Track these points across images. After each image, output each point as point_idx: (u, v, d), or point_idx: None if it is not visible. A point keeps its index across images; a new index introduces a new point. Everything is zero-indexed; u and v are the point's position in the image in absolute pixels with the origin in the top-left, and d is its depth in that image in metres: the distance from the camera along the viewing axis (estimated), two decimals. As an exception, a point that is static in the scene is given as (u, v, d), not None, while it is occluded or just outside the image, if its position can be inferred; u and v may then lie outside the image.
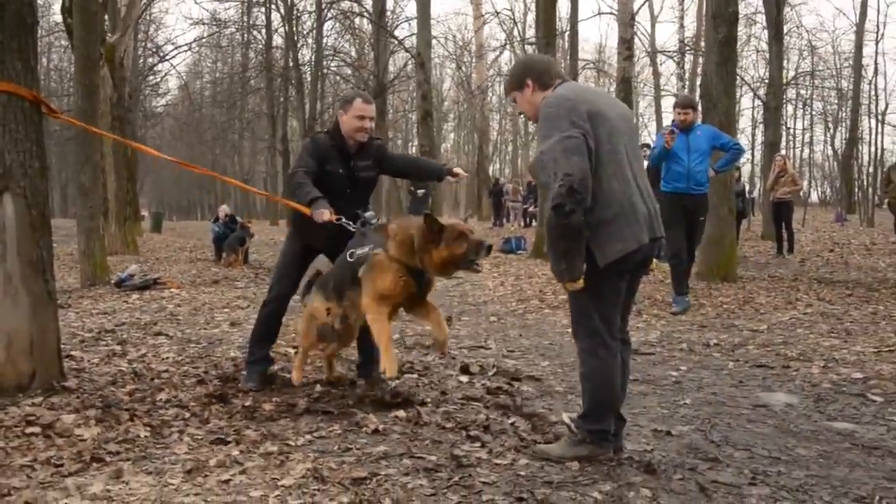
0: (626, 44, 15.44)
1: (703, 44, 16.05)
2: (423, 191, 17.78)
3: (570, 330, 6.80)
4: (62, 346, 4.74)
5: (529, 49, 28.61)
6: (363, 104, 4.49)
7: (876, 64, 31.62)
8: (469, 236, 3.80)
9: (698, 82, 18.91)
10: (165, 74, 35.65)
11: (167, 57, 32.44)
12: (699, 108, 8.66)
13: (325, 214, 4.16)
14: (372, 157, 4.64)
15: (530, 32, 31.56)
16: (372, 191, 4.91)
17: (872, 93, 35.38)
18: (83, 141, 10.56)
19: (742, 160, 8.60)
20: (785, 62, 26.94)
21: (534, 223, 19.96)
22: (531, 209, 22.03)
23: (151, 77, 33.63)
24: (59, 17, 24.85)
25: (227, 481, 3.00)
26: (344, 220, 4.23)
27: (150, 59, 32.87)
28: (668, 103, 37.57)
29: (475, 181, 36.50)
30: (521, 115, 3.63)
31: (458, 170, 4.80)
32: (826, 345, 5.96)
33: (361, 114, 4.46)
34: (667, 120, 33.92)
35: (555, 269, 3.14)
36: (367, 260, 4.01)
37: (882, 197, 16.03)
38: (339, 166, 4.51)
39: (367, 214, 4.44)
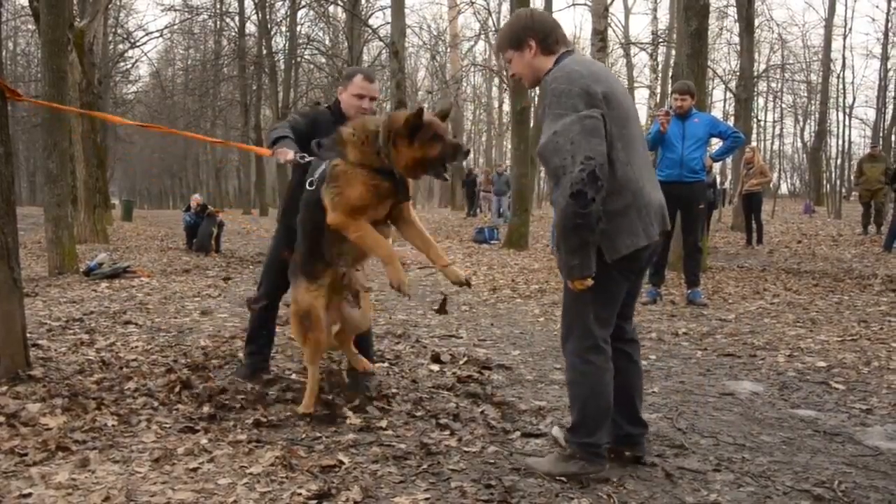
0: (600, 35, 15.51)
1: (675, 36, 16.15)
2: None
3: (541, 319, 6.89)
4: (28, 334, 4.68)
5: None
6: (363, 81, 4.14)
7: (844, 58, 32.09)
8: (445, 137, 3.41)
9: (671, 74, 19.02)
10: (136, 61, 35.41)
11: (138, 43, 32.03)
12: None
13: (288, 154, 3.84)
14: None
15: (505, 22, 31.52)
16: None
17: (840, 87, 35.88)
18: (51, 127, 10.39)
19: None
20: (756, 55, 27.23)
21: (506, 215, 19.99)
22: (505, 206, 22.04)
23: (122, 63, 33.19)
24: (25, 1, 24.44)
25: (194, 469, 2.98)
26: (307, 156, 3.82)
27: (120, 46, 32.40)
28: (640, 95, 37.85)
29: (449, 171, 36.40)
30: (512, 77, 3.22)
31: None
32: (792, 334, 6.06)
33: (361, 92, 4.13)
34: (640, 111, 34.13)
35: (565, 265, 2.83)
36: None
37: (854, 188, 16.34)
38: None
39: None
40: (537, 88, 3.42)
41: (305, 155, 3.80)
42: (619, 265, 2.91)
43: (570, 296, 2.98)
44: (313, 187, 3.60)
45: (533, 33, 3.02)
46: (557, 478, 2.99)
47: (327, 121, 4.14)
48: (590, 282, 2.84)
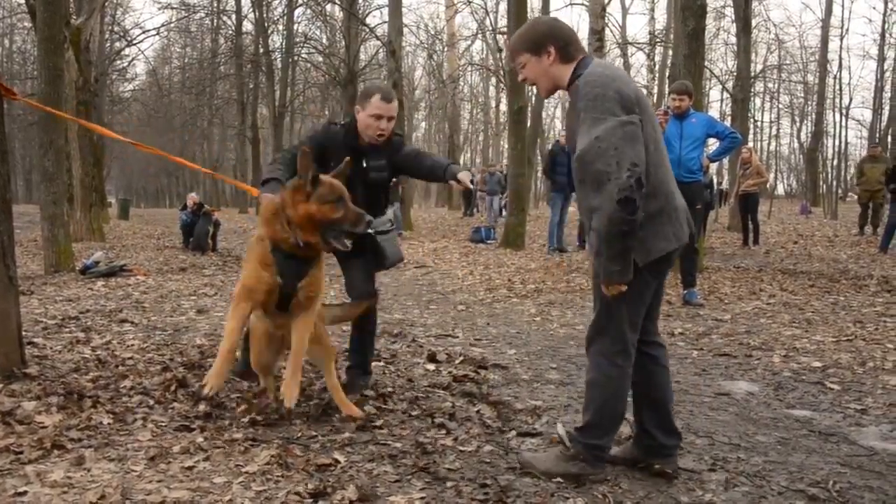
0: (597, 35, 15.48)
1: (672, 36, 16.15)
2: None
3: (537, 319, 6.90)
4: (24, 333, 4.68)
5: (501, 39, 28.63)
6: (381, 102, 3.95)
7: (840, 59, 32.04)
8: (348, 203, 3.32)
9: (667, 74, 19.04)
10: (133, 59, 35.37)
11: (135, 41, 32.00)
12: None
13: (269, 199, 3.71)
14: (387, 157, 4.15)
15: (503, 22, 31.55)
16: (386, 192, 4.35)
17: (837, 87, 35.92)
18: (47, 125, 10.36)
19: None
20: (753, 56, 27.23)
21: (503, 213, 19.99)
22: (502, 202, 22.00)
23: (118, 61, 33.08)
24: (22, -1, 24.39)
25: (190, 468, 2.98)
26: None
27: (117, 43, 32.29)
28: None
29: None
30: (522, 81, 3.14)
31: (463, 175, 4.07)
32: (787, 334, 6.07)
33: (378, 112, 3.95)
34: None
35: (606, 271, 2.78)
36: None
37: (853, 189, 16.39)
38: None
39: (377, 222, 3.98)
40: (534, 88, 3.36)
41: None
42: (650, 267, 2.88)
43: (604, 301, 2.91)
44: None
45: (554, 40, 2.96)
46: (555, 477, 2.97)
47: (338, 140, 4.05)
48: (624, 287, 2.82)
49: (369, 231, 3.87)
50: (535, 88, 3.24)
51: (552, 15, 21.97)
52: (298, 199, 3.29)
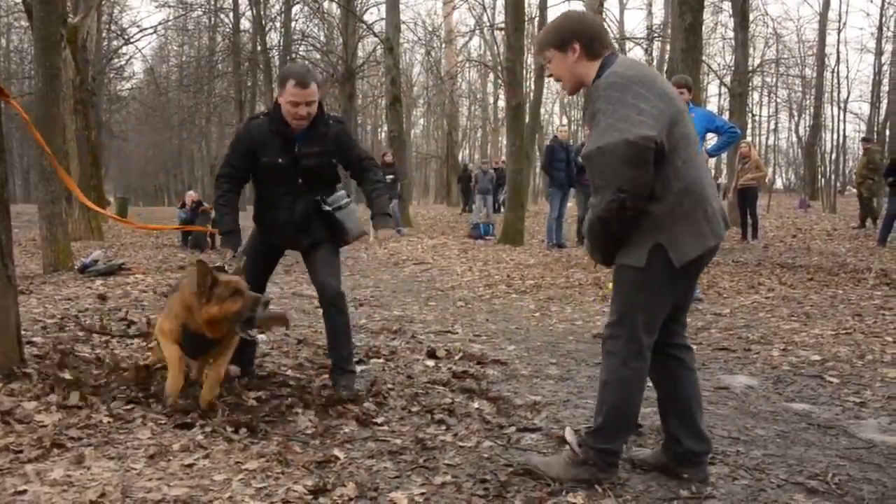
0: (595, 30, 15.47)
1: (670, 31, 16.14)
2: (391, 176, 17.67)
3: (536, 314, 6.90)
4: (23, 332, 4.67)
5: (499, 35, 28.60)
6: (295, 88, 3.84)
7: (838, 53, 32.24)
8: (245, 292, 3.46)
9: (665, 69, 19.03)
10: (130, 57, 35.33)
11: (132, 39, 31.98)
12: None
13: (227, 254, 4.00)
14: (323, 143, 4.05)
15: (500, 18, 31.51)
16: (333, 176, 4.24)
17: (835, 81, 35.91)
18: (45, 124, 10.33)
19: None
20: (750, 50, 27.25)
21: (502, 210, 19.97)
22: (501, 198, 21.94)
23: (116, 60, 33.05)
24: (19, -2, 24.32)
25: (190, 465, 2.98)
26: (242, 257, 3.95)
27: (114, 42, 32.26)
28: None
29: (444, 167, 36.43)
30: (549, 77, 3.08)
31: (381, 234, 4.24)
32: (786, 328, 6.08)
33: (294, 99, 3.85)
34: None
35: (589, 251, 2.99)
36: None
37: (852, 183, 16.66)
38: (278, 155, 3.99)
39: (333, 198, 4.08)
40: (532, 84, 3.35)
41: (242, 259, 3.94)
42: (686, 267, 2.77)
43: (621, 298, 2.85)
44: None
45: (580, 35, 2.87)
46: (566, 483, 2.87)
47: (264, 132, 4.00)
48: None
49: (326, 208, 4.01)
50: (534, 84, 3.22)
51: (550, 10, 21.96)
52: (201, 302, 3.49)
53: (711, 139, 7.90)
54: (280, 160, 3.99)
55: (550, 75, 3.04)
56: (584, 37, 2.87)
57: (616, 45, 3.03)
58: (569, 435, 3.02)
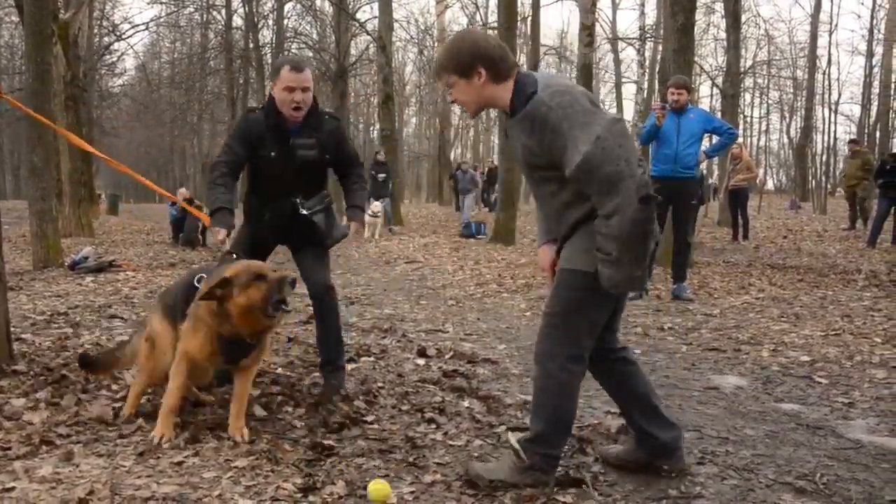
0: (588, 30, 15.49)
1: (662, 31, 16.18)
2: (383, 175, 17.67)
3: (527, 314, 6.90)
4: (12, 328, 4.66)
5: (491, 34, 28.54)
6: (290, 73, 3.79)
7: (829, 54, 32.34)
8: (268, 273, 3.21)
9: (657, 69, 19.06)
10: (122, 54, 34.92)
11: (124, 36, 31.68)
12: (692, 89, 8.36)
13: (219, 234, 3.76)
14: (318, 137, 3.99)
15: (493, 17, 31.53)
16: (321, 172, 4.16)
17: (826, 83, 36.10)
18: (35, 121, 10.29)
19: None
20: (742, 51, 27.28)
21: (496, 207, 19.99)
22: (493, 197, 21.91)
23: (107, 56, 32.84)
24: (10, -7, 24.19)
25: (179, 463, 2.98)
26: (229, 238, 3.78)
27: (105, 38, 32.05)
28: (628, 90, 37.93)
29: (436, 166, 36.42)
30: (453, 102, 2.99)
31: (352, 226, 4.16)
32: (776, 329, 6.11)
33: (290, 84, 3.79)
34: (627, 107, 34.25)
35: (627, 279, 2.62)
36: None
37: (841, 184, 16.66)
38: (273, 148, 3.92)
39: (310, 203, 3.99)
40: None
41: (235, 254, 3.70)
42: None
43: (564, 303, 2.78)
44: (198, 284, 3.38)
45: (482, 60, 2.75)
46: (508, 488, 2.81)
47: (260, 126, 3.92)
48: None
49: (303, 212, 3.93)
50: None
51: (542, 11, 21.98)
52: (225, 301, 3.19)
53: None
54: (273, 153, 3.92)
55: (454, 101, 2.93)
56: (487, 60, 2.75)
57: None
58: (513, 441, 2.96)
